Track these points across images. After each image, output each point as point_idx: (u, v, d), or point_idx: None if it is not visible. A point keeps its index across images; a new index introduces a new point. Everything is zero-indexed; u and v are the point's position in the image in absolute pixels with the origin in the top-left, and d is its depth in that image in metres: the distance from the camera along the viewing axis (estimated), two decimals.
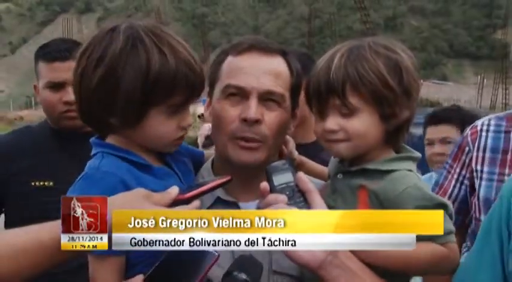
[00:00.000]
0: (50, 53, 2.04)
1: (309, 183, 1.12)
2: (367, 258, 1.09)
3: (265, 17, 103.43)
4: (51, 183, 2.00)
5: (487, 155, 1.74)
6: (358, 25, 76.31)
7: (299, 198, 1.08)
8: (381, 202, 1.13)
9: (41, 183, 2.01)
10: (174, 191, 1.03)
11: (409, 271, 1.12)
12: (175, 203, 1.01)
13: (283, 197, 1.08)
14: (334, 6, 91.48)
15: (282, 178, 1.10)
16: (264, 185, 1.10)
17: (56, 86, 2.04)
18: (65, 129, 2.07)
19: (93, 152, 1.20)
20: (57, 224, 0.93)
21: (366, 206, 1.14)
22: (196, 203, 1.03)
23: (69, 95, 1.95)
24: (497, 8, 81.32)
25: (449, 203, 1.14)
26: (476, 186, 1.75)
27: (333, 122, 1.18)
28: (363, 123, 1.17)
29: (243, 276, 1.03)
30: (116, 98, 1.13)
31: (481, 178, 1.74)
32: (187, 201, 1.02)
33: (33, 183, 2.01)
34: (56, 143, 2.09)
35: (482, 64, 73.58)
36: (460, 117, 2.68)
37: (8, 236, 0.92)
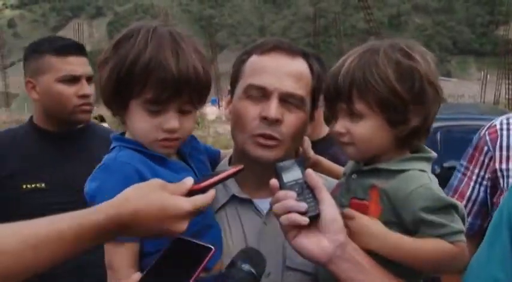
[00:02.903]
0: (64, 46, 2.03)
1: (317, 179, 1.13)
2: (374, 248, 1.11)
3: (271, 17, 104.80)
4: (43, 185, 1.98)
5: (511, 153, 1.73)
6: (362, 24, 77.61)
7: (308, 195, 1.10)
8: (391, 201, 1.13)
9: (33, 185, 1.98)
10: (189, 181, 1.04)
11: (415, 265, 1.12)
12: (190, 193, 1.02)
13: (292, 193, 1.09)
14: (338, 5, 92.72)
15: (291, 175, 1.12)
16: (273, 181, 1.12)
17: (71, 80, 2.02)
18: (52, 129, 2.06)
19: (111, 146, 1.25)
20: (77, 215, 0.94)
21: (377, 205, 1.15)
22: (211, 192, 1.04)
23: (86, 88, 2.04)
24: (500, 5, 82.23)
25: (460, 204, 1.14)
26: (503, 184, 1.71)
27: (340, 124, 1.19)
28: (368, 129, 1.16)
29: (247, 266, 1.04)
30: (103, 83, 1.19)
31: (507, 176, 1.71)
32: (203, 191, 1.03)
33: (24, 186, 1.97)
34: (44, 144, 2.06)
35: (485, 60, 74.44)
36: None
37: (29, 226, 0.91)
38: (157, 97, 1.17)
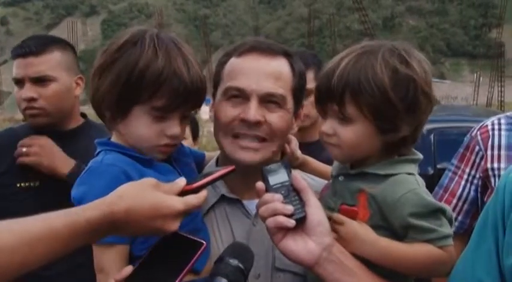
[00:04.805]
0: (14, 50, 2.00)
1: (303, 182, 1.13)
2: (363, 253, 1.11)
3: (266, 18, 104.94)
4: (37, 184, 1.99)
5: (503, 152, 1.74)
6: (356, 25, 77.92)
7: (294, 197, 1.10)
8: (379, 206, 1.13)
9: (27, 184, 1.99)
10: (182, 181, 1.05)
11: (404, 269, 1.13)
12: (183, 193, 1.03)
13: (278, 196, 1.09)
14: (333, 6, 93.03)
15: (277, 178, 1.13)
16: (260, 184, 1.12)
17: (18, 83, 1.99)
18: (46, 128, 2.02)
19: (97, 151, 1.25)
20: (71, 212, 0.94)
21: (365, 209, 1.15)
22: (204, 192, 1.05)
23: (26, 91, 1.96)
24: (493, 8, 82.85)
25: (448, 207, 1.14)
26: (494, 183, 1.73)
27: (329, 125, 1.18)
28: (357, 134, 1.15)
29: (236, 262, 1.04)
30: (106, 87, 1.18)
31: (498, 175, 1.72)
32: (195, 192, 1.04)
33: (18, 185, 1.98)
34: None
35: (478, 62, 74.97)
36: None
37: (24, 223, 0.91)
38: (168, 105, 1.18)
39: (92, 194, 1.05)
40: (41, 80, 1.97)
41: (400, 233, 1.13)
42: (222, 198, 1.36)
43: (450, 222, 1.15)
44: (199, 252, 1.02)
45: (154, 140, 1.22)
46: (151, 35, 1.21)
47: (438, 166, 4.24)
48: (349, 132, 1.17)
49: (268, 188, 1.12)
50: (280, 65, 1.32)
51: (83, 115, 2.19)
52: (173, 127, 1.22)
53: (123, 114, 1.21)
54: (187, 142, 2.87)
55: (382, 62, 1.13)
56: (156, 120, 1.20)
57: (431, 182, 1.12)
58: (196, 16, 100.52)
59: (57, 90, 1.99)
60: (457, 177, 1.87)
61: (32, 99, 1.96)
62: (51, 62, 1.99)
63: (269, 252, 1.29)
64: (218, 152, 1.46)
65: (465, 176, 1.84)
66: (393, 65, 1.13)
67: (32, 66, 1.96)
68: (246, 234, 1.31)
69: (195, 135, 3.04)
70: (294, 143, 1.47)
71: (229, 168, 1.13)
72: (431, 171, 4.23)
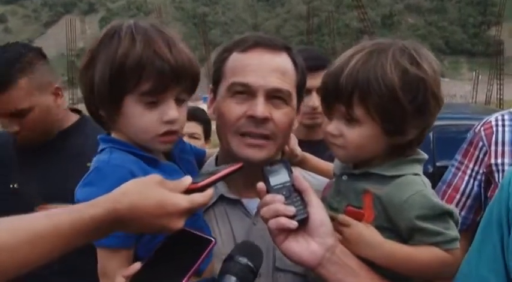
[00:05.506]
0: None
1: (305, 182, 1.11)
2: (368, 256, 1.09)
3: (265, 15, 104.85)
4: (15, 186, 1.99)
5: (507, 148, 1.76)
6: (355, 23, 77.98)
7: (296, 198, 1.09)
8: (384, 207, 1.11)
9: (15, 185, 1.99)
10: (187, 179, 1.03)
11: (409, 272, 1.11)
12: (188, 191, 1.00)
13: (280, 197, 1.08)
14: (332, 4, 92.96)
15: (278, 179, 1.11)
16: (260, 185, 1.10)
17: None
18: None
19: (100, 147, 1.21)
20: (74, 209, 0.93)
21: (371, 210, 1.12)
22: (209, 191, 1.02)
23: (7, 125, 1.95)
24: (492, 6, 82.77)
25: (455, 209, 1.13)
26: (498, 179, 1.74)
27: (334, 126, 1.15)
28: (363, 136, 1.13)
29: (245, 260, 1.03)
30: (93, 86, 1.16)
31: (503, 170, 1.73)
32: (200, 190, 1.02)
33: (11, 185, 1.99)
34: (26, 144, 2.02)
35: (477, 60, 75.09)
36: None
37: (26, 221, 0.89)
38: (156, 87, 1.14)
39: (98, 196, 1.01)
40: (16, 114, 1.89)
41: (405, 235, 1.11)
42: (221, 198, 1.34)
43: (457, 224, 1.13)
44: (207, 249, 1.01)
45: (154, 129, 1.17)
46: (128, 25, 1.18)
47: (438, 164, 4.24)
48: (355, 134, 1.14)
49: (269, 189, 1.11)
50: (285, 61, 1.30)
51: (78, 111, 2.13)
52: (169, 111, 1.17)
53: (116, 109, 1.17)
54: (200, 142, 2.83)
55: (392, 62, 1.11)
56: (148, 107, 1.16)
57: (431, 180, 1.15)
58: (195, 14, 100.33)
59: (37, 116, 1.91)
60: (460, 173, 1.87)
61: (15, 132, 1.93)
62: (19, 96, 1.86)
63: (269, 252, 1.27)
64: (217, 150, 1.45)
65: (468, 172, 1.85)
66: (403, 66, 1.11)
67: (1, 105, 1.86)
68: (246, 233, 1.30)
69: (207, 136, 2.99)
70: (293, 141, 1.47)
71: (236, 166, 1.10)
72: (430, 169, 4.24)
